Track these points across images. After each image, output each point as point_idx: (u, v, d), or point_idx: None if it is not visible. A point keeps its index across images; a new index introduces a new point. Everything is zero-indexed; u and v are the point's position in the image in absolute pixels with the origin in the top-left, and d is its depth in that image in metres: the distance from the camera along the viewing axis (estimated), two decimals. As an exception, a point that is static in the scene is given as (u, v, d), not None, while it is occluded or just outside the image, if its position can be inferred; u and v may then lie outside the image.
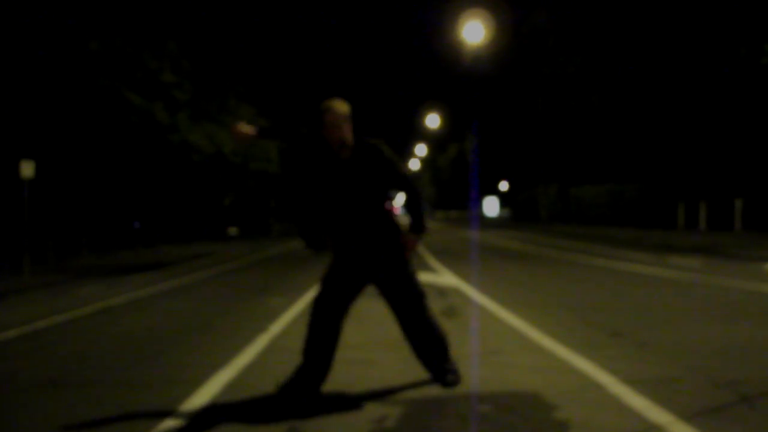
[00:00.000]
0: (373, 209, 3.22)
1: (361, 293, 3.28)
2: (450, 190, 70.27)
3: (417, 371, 3.52)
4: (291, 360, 4.05)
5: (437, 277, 8.79)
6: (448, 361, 3.36)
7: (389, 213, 3.27)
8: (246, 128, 3.27)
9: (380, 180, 3.21)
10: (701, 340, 4.40)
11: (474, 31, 25.50)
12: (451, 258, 12.25)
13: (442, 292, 7.18)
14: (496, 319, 5.38)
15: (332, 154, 3.23)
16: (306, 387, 3.21)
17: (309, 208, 3.41)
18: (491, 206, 57.75)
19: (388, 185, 3.24)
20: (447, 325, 5.10)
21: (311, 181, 3.29)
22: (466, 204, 57.84)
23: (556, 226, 31.20)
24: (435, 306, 6.05)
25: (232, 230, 29.01)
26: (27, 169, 11.58)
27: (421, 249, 15.19)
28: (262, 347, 4.44)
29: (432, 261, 11.57)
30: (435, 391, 3.25)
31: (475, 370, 3.62)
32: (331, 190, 3.24)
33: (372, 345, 4.45)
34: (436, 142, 71.01)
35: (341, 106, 3.22)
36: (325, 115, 3.19)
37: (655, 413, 2.83)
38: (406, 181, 3.24)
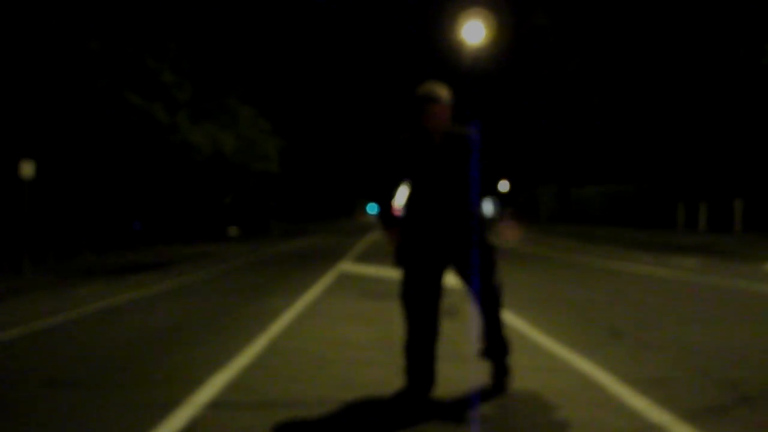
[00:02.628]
0: (461, 195, 3.22)
1: (444, 274, 3.24)
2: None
3: (417, 371, 3.52)
4: (291, 360, 4.06)
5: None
6: (505, 352, 3.34)
7: (473, 201, 3.27)
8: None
9: (466, 169, 3.21)
10: (701, 340, 4.40)
11: (474, 31, 25.49)
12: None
13: (442, 292, 7.17)
14: (496, 319, 5.37)
15: (428, 140, 3.21)
16: (414, 392, 3.15)
17: (392, 191, 3.41)
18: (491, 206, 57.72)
19: (471, 174, 3.24)
20: (447, 325, 5.11)
21: (403, 165, 3.25)
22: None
23: (556, 226, 31.19)
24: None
25: (233, 230, 29.01)
26: (27, 169, 11.58)
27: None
28: (262, 347, 4.44)
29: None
30: (435, 391, 3.25)
31: (475, 370, 3.62)
32: (423, 174, 3.21)
33: (372, 345, 4.44)
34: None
35: (448, 96, 3.19)
36: (432, 105, 3.14)
37: (655, 413, 2.83)
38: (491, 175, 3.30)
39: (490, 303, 3.25)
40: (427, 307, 3.18)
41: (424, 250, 3.19)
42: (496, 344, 3.29)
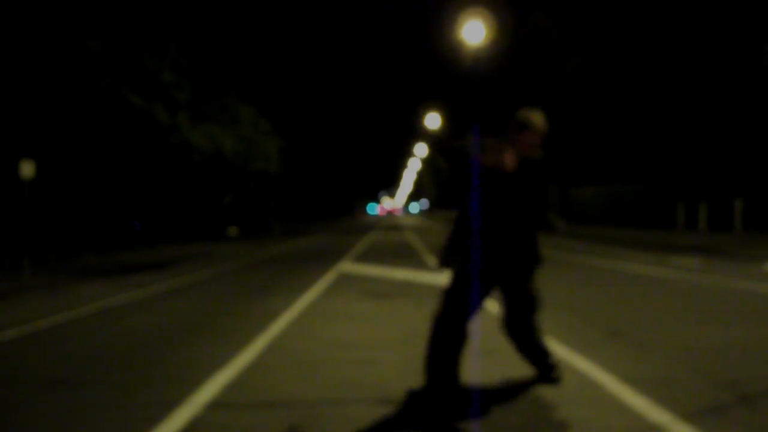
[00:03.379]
0: (525, 225, 3.20)
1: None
2: (450, 190, 70.24)
3: (417, 371, 3.52)
4: (291, 360, 4.06)
5: (437, 277, 8.79)
6: (547, 356, 3.42)
7: (534, 231, 3.26)
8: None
9: (535, 196, 3.20)
10: (701, 340, 4.40)
11: (474, 31, 25.49)
12: (451, 258, 12.22)
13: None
14: (496, 318, 5.37)
15: (499, 167, 3.14)
16: (436, 398, 3.14)
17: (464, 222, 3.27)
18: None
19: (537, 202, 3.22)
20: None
21: (471, 192, 3.19)
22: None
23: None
24: (435, 306, 6.05)
25: (233, 230, 29.00)
26: (27, 169, 11.58)
27: (421, 249, 15.19)
28: (262, 347, 4.44)
29: (432, 261, 11.57)
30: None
31: (476, 370, 3.62)
32: (492, 202, 3.14)
33: (372, 345, 4.44)
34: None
35: (544, 125, 3.20)
36: (525, 133, 3.15)
37: (655, 413, 2.83)
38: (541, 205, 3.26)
39: (527, 316, 3.34)
40: (461, 325, 3.17)
41: (484, 273, 3.17)
42: (538, 353, 3.39)
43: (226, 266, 12.06)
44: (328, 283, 8.39)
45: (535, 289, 3.32)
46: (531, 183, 3.18)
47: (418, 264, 10.99)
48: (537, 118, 3.19)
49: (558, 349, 4.14)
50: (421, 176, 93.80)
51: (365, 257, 13.16)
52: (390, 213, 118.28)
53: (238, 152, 24.58)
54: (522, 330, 3.35)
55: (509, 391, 3.25)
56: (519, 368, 3.69)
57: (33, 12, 16.06)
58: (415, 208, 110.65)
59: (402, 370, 3.67)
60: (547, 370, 3.38)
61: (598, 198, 31.78)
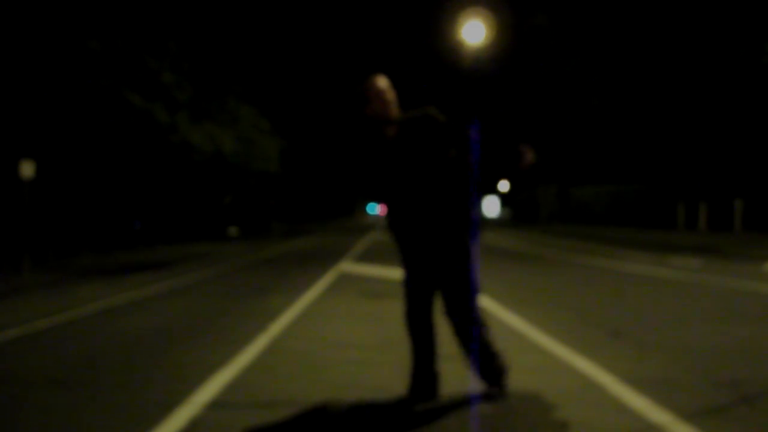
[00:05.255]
0: (433, 192, 2.89)
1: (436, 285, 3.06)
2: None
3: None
4: (291, 360, 4.06)
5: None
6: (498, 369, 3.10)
7: (461, 196, 2.93)
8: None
9: (438, 152, 2.87)
10: (701, 340, 4.40)
11: (474, 31, 25.48)
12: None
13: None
14: (496, 318, 5.38)
15: (379, 134, 2.97)
16: (419, 387, 3.09)
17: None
18: (491, 206, 57.77)
19: (450, 152, 2.87)
20: (447, 326, 5.11)
21: (365, 165, 3.01)
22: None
23: (556, 226, 31.19)
24: (435, 306, 6.05)
25: (232, 230, 29.01)
26: (27, 169, 11.57)
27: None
28: (262, 347, 4.44)
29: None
30: (437, 394, 3.25)
31: (475, 370, 3.62)
32: (383, 173, 2.95)
33: (372, 345, 4.44)
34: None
35: (381, 80, 2.99)
36: (366, 92, 2.96)
37: (655, 413, 2.83)
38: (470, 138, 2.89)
39: (464, 309, 3.00)
40: (420, 316, 3.09)
41: (409, 256, 3.02)
42: (490, 370, 3.08)
43: (226, 266, 12.06)
44: (328, 283, 8.39)
45: (470, 276, 2.99)
46: (422, 145, 2.88)
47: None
48: (374, 76, 2.99)
49: (558, 349, 4.14)
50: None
51: (365, 257, 13.16)
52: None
53: (238, 152, 24.58)
54: (462, 326, 3.03)
55: (509, 392, 3.25)
56: (519, 368, 3.69)
57: (33, 12, 16.05)
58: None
59: (402, 370, 3.66)
60: (495, 380, 3.10)
61: (599, 198, 31.79)
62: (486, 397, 3.10)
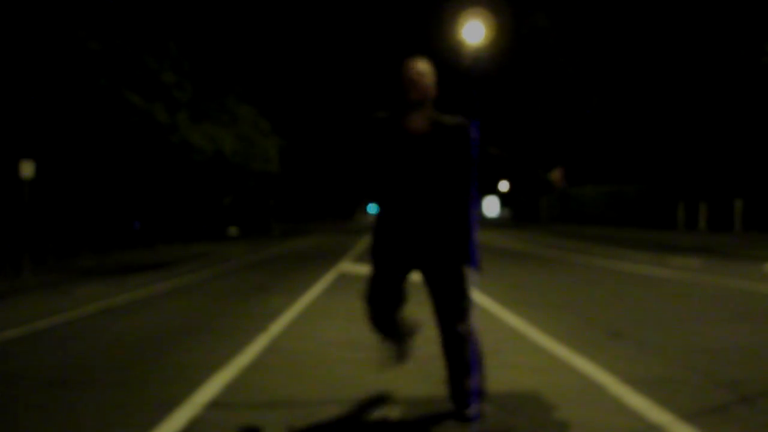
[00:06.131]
0: (444, 195, 2.77)
1: (406, 278, 2.93)
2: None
3: (417, 371, 3.52)
4: (291, 360, 4.06)
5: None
6: (471, 390, 2.86)
7: (464, 205, 2.81)
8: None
9: (458, 164, 2.74)
10: (701, 340, 4.40)
11: (474, 31, 25.49)
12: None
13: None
14: (496, 319, 5.38)
15: (403, 128, 2.78)
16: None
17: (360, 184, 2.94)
18: (491, 206, 57.78)
19: (470, 169, 2.75)
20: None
21: (372, 157, 2.82)
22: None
23: (556, 226, 31.20)
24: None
25: (232, 230, 29.01)
26: (27, 169, 11.57)
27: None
28: (262, 347, 4.44)
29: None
30: (435, 391, 3.25)
31: (475, 370, 3.61)
32: (397, 167, 2.76)
33: (372, 345, 4.44)
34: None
35: (424, 63, 2.80)
36: (405, 72, 2.76)
37: (655, 413, 2.83)
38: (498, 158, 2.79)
39: (455, 315, 2.80)
40: (384, 314, 2.91)
41: (390, 254, 2.84)
42: (463, 362, 2.84)
43: (225, 266, 12.06)
44: (327, 283, 8.39)
45: (465, 289, 2.82)
46: (447, 153, 2.75)
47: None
48: (422, 61, 2.82)
49: (558, 349, 4.14)
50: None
51: (365, 257, 13.16)
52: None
53: (238, 152, 24.58)
54: (447, 338, 2.83)
55: (509, 392, 3.25)
56: (519, 368, 3.69)
57: (33, 12, 16.06)
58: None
59: (401, 370, 3.66)
60: (462, 399, 2.84)
61: (599, 198, 31.79)
62: (463, 415, 2.86)
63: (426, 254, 2.81)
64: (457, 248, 2.80)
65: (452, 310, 2.80)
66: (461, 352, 2.83)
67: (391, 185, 2.82)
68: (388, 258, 2.85)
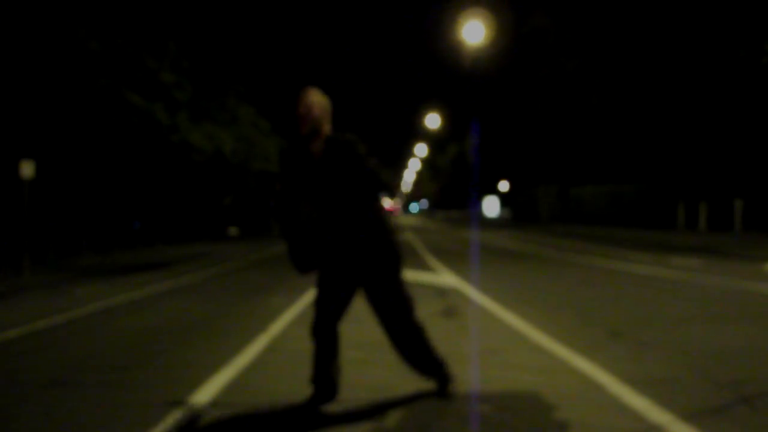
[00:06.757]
0: (351, 209, 2.99)
1: (353, 297, 3.18)
2: (450, 190, 70.41)
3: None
4: (291, 360, 4.06)
5: (437, 277, 8.79)
6: (441, 366, 3.17)
7: (376, 213, 3.04)
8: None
9: (353, 177, 2.96)
10: (701, 340, 4.40)
11: (474, 31, 25.52)
12: (451, 258, 12.25)
13: (442, 292, 7.18)
14: (496, 319, 5.38)
15: (306, 151, 3.02)
16: (317, 400, 3.11)
17: (295, 218, 3.09)
18: (491, 206, 57.76)
19: (359, 183, 2.99)
20: (447, 325, 5.11)
21: (290, 182, 3.06)
22: (466, 204, 57.89)
23: (556, 226, 31.19)
24: (435, 306, 6.06)
25: (232, 230, 29.00)
26: (27, 169, 11.57)
27: (421, 249, 15.19)
28: (262, 347, 4.44)
29: (432, 261, 11.57)
30: (435, 390, 3.25)
31: (475, 370, 3.62)
32: (306, 189, 3.01)
33: (372, 345, 4.44)
34: (436, 142, 71.10)
35: (311, 95, 3.02)
36: (297, 106, 3.01)
37: (655, 413, 2.83)
38: (373, 177, 2.99)
39: (402, 318, 3.09)
40: (327, 327, 3.13)
41: (329, 274, 3.09)
42: (430, 365, 3.15)
43: (226, 266, 12.06)
44: (328, 283, 8.37)
45: (401, 288, 3.08)
46: (341, 164, 2.94)
47: (418, 264, 10.99)
48: (308, 90, 3.06)
49: (558, 349, 4.14)
50: (421, 176, 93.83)
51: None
52: (389, 212, 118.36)
53: (238, 152, 24.58)
54: (402, 338, 3.11)
55: (509, 392, 3.25)
56: (519, 368, 3.69)
57: (33, 12, 16.05)
58: (414, 207, 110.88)
59: (401, 370, 3.66)
60: (443, 381, 3.17)
61: (599, 198, 31.78)
62: (439, 393, 3.16)
63: (354, 266, 3.04)
64: (377, 252, 3.02)
65: (398, 306, 3.07)
66: (419, 345, 3.11)
67: (311, 205, 3.03)
68: (328, 275, 3.10)
